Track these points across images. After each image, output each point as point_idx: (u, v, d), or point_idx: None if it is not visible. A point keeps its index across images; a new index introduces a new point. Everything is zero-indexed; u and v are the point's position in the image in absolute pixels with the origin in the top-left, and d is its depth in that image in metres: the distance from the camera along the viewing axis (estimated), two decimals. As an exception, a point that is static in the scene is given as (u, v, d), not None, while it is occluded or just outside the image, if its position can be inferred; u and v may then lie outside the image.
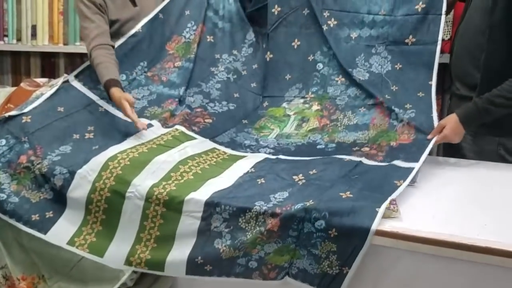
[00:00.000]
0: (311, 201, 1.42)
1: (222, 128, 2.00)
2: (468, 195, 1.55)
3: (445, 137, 1.74)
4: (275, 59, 2.17)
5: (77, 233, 1.63)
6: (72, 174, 1.65)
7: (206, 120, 2.04)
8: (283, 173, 1.64)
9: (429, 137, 1.76)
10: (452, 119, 1.73)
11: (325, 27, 2.09)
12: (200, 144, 1.86)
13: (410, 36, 1.98)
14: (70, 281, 1.64)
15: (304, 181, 1.59)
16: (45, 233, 1.64)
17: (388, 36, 2.01)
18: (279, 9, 2.15)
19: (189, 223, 1.50)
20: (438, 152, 2.17)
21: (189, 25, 2.22)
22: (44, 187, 1.70)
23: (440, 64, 2.02)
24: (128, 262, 1.55)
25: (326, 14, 2.10)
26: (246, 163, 1.74)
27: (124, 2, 2.17)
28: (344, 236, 1.35)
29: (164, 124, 1.95)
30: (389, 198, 1.43)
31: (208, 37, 2.21)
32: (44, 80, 2.22)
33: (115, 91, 1.87)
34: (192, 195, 1.52)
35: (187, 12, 2.22)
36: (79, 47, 2.90)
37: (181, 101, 2.07)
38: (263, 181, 1.57)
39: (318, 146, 1.89)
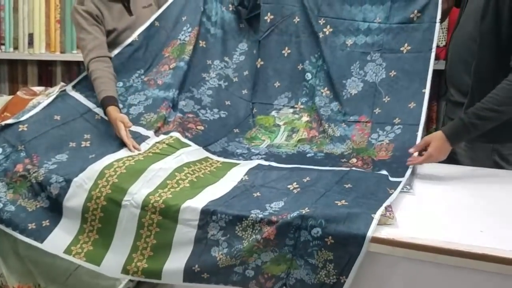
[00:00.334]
0: (306, 208, 1.42)
1: (214, 137, 2.01)
2: (464, 201, 1.55)
3: (430, 156, 1.67)
4: (265, 66, 2.18)
5: (73, 242, 1.62)
6: (68, 182, 1.65)
7: (198, 127, 2.04)
8: (277, 184, 1.64)
9: (411, 150, 1.72)
10: (438, 136, 1.68)
11: (320, 35, 2.11)
12: (194, 152, 1.86)
13: (406, 44, 1.99)
14: (67, 290, 1.63)
15: (299, 189, 1.59)
16: (41, 242, 1.64)
17: (384, 44, 2.03)
18: (271, 17, 2.17)
19: (185, 231, 1.50)
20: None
21: (184, 28, 2.22)
22: (40, 196, 1.70)
23: (436, 71, 2.03)
24: (125, 271, 1.54)
25: (321, 21, 2.11)
26: (240, 170, 1.75)
27: (120, 12, 2.18)
28: (340, 244, 1.35)
29: (158, 132, 1.95)
30: (384, 205, 1.43)
31: (200, 42, 2.22)
32: (41, 88, 2.23)
33: (112, 110, 1.87)
34: (188, 203, 1.52)
35: (184, 18, 2.23)
36: (76, 55, 2.91)
37: (174, 105, 2.08)
38: (259, 194, 1.58)
39: (308, 155, 1.93)
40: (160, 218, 1.53)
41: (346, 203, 1.47)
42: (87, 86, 2.05)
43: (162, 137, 1.91)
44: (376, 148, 1.89)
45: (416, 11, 1.98)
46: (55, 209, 1.67)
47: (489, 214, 1.47)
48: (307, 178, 1.66)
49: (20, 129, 1.85)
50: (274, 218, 1.42)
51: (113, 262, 1.56)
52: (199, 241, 1.48)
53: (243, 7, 2.25)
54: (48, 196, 1.68)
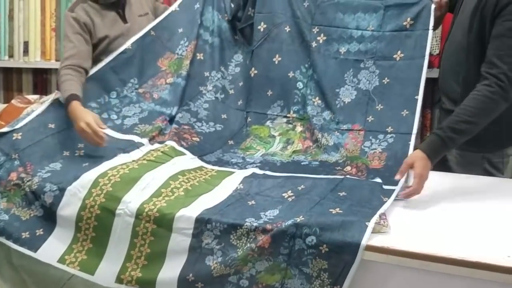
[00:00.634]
0: (301, 217, 1.42)
1: (209, 148, 2.02)
2: (456, 209, 1.56)
3: (421, 177, 1.58)
4: (259, 74, 2.19)
5: (67, 251, 1.62)
6: (62, 191, 1.64)
7: (194, 139, 2.05)
8: (272, 192, 1.64)
9: (397, 177, 1.64)
10: (419, 156, 1.61)
11: (313, 44, 2.12)
12: (189, 161, 1.86)
13: (399, 52, 2.01)
14: (60, 300, 1.62)
15: (293, 197, 1.59)
16: (35, 251, 1.63)
17: (377, 52, 2.04)
18: (264, 26, 2.18)
19: (180, 240, 1.50)
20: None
21: (182, 42, 2.23)
22: (34, 204, 1.69)
23: (430, 79, 2.04)
24: (119, 280, 1.54)
25: (315, 30, 2.13)
26: (235, 179, 1.75)
27: (114, 19, 2.18)
28: (335, 252, 1.35)
29: (153, 141, 1.95)
30: (378, 213, 1.43)
31: (198, 54, 2.23)
32: (36, 97, 2.23)
33: (77, 104, 1.86)
34: (182, 212, 1.52)
35: (180, 30, 2.24)
36: (71, 63, 2.91)
37: (171, 119, 2.09)
38: (254, 203, 1.58)
39: (302, 163, 1.94)
40: (155, 226, 1.52)
41: (341, 211, 1.47)
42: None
43: (157, 145, 1.91)
44: (369, 157, 1.90)
45: (409, 19, 1.99)
46: (49, 218, 1.66)
47: (481, 222, 1.48)
48: (302, 186, 1.66)
49: (14, 138, 1.84)
50: (268, 227, 1.42)
51: (107, 271, 1.56)
52: (193, 250, 1.48)
53: (237, 20, 2.27)
54: (42, 205, 1.68)
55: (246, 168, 1.86)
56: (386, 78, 2.01)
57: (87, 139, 1.82)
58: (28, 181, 1.70)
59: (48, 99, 2.06)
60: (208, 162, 1.91)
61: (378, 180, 1.72)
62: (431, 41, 1.99)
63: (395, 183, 1.66)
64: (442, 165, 1.88)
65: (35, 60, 3.01)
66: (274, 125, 2.13)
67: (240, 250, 1.43)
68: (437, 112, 2.31)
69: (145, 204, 1.55)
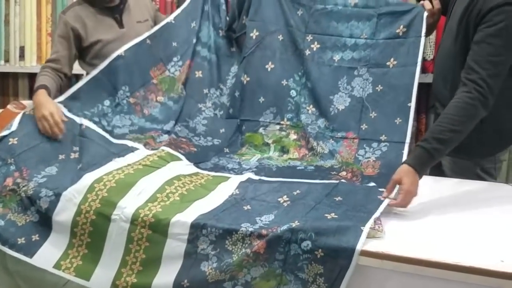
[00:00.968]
0: (296, 221, 1.42)
1: (205, 158, 2.02)
2: (451, 214, 1.56)
3: (409, 193, 1.55)
4: (251, 81, 2.19)
5: (63, 257, 1.61)
6: (57, 196, 1.64)
7: (191, 149, 2.06)
8: (267, 197, 1.64)
9: (384, 195, 1.60)
10: (406, 171, 1.57)
11: (307, 52, 2.13)
12: (185, 167, 1.86)
13: (392, 59, 2.02)
14: (56, 305, 1.62)
15: (289, 202, 1.60)
16: (31, 256, 1.63)
17: (370, 59, 2.05)
18: (257, 33, 2.19)
19: (175, 245, 1.50)
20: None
21: (175, 59, 2.24)
22: (30, 210, 1.69)
23: (424, 84, 2.05)
24: (114, 286, 1.53)
25: (309, 38, 2.14)
26: (231, 184, 1.75)
27: (109, 23, 2.19)
28: (330, 257, 1.35)
29: (148, 146, 1.96)
30: (373, 217, 1.44)
31: (196, 72, 2.24)
32: (31, 102, 2.21)
33: (42, 93, 1.95)
34: (178, 217, 1.52)
35: (174, 44, 2.24)
36: (68, 69, 2.91)
37: (166, 132, 2.11)
38: (249, 208, 1.58)
39: (298, 168, 1.94)
40: (150, 232, 1.52)
41: (336, 216, 1.48)
42: (74, 103, 2.05)
43: (152, 151, 1.91)
44: (363, 165, 1.92)
45: (402, 26, 2.01)
46: (45, 224, 1.66)
47: (475, 226, 1.49)
48: (297, 191, 1.66)
49: (10, 143, 1.84)
50: (264, 232, 1.42)
51: (102, 276, 1.55)
52: (188, 256, 1.48)
53: (232, 31, 2.28)
54: (38, 210, 1.67)
55: (242, 174, 1.86)
56: (379, 86, 2.02)
57: (45, 128, 1.87)
58: (24, 187, 1.70)
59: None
60: (204, 169, 1.91)
61: (373, 184, 1.72)
62: (425, 47, 2.01)
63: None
64: (436, 170, 1.90)
65: (31, 65, 3.01)
66: (267, 132, 2.14)
67: (235, 255, 1.43)
68: (433, 117, 2.32)
69: (140, 209, 1.55)
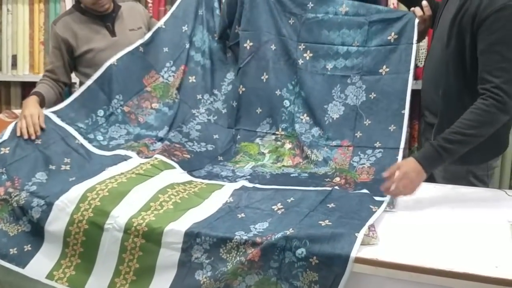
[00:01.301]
0: (291, 229, 1.42)
1: (199, 165, 2.02)
2: (445, 220, 1.57)
3: (405, 173, 1.61)
4: (247, 92, 2.20)
5: (56, 267, 1.60)
6: (49, 206, 1.63)
7: (184, 155, 2.05)
8: (261, 205, 1.64)
9: (385, 174, 1.67)
10: (407, 160, 1.67)
11: (300, 61, 2.14)
12: (179, 175, 1.86)
13: (384, 66, 2.03)
14: (48, 316, 1.60)
15: (283, 209, 1.59)
16: (23, 267, 1.62)
17: (363, 67, 2.06)
18: (250, 44, 2.19)
19: (169, 254, 1.49)
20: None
21: (167, 64, 2.24)
22: (22, 220, 1.68)
23: (417, 90, 2.06)
24: (107, 296, 1.52)
25: (301, 47, 2.14)
26: (225, 192, 1.74)
27: (100, 32, 2.19)
28: (325, 264, 1.35)
29: (141, 154, 1.95)
30: (367, 224, 1.44)
31: (190, 77, 2.24)
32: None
33: (32, 99, 2.05)
34: (171, 226, 1.51)
35: (165, 49, 2.24)
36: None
37: (160, 140, 2.10)
38: (243, 215, 1.58)
39: (292, 175, 1.94)
40: (143, 241, 1.51)
41: (330, 223, 1.47)
42: (68, 114, 2.05)
43: (146, 159, 1.90)
44: (357, 171, 1.92)
45: (393, 33, 2.01)
46: (37, 233, 1.65)
47: (469, 233, 1.49)
48: (291, 199, 1.66)
49: (1, 152, 1.83)
50: (258, 240, 1.41)
51: (95, 286, 1.54)
52: (182, 265, 1.47)
53: (226, 38, 2.28)
54: (30, 220, 1.66)
55: (236, 181, 1.86)
56: (373, 93, 2.02)
57: (21, 125, 1.91)
58: (15, 196, 1.69)
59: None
60: (197, 177, 1.90)
61: (366, 191, 1.72)
62: (418, 53, 2.02)
63: (383, 194, 1.67)
64: (427, 179, 1.90)
65: (23, 73, 3.00)
66: (263, 142, 2.14)
67: (229, 264, 1.42)
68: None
69: (133, 218, 1.54)
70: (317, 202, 1.62)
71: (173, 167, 1.90)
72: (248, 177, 1.91)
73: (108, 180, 1.70)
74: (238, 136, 2.17)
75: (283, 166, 2.03)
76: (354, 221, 1.48)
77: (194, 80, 2.25)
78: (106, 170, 1.80)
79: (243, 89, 2.20)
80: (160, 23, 2.26)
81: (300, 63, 2.13)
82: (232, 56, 2.29)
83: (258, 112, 2.18)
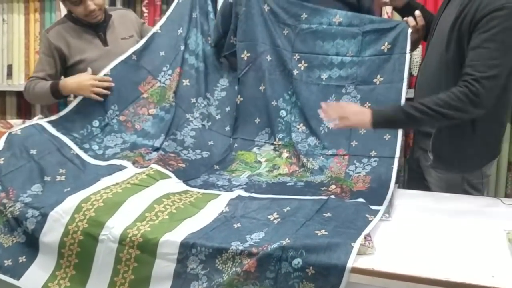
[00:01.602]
0: (287, 239, 1.41)
1: (195, 174, 2.02)
2: (441, 229, 1.56)
3: (341, 107, 1.77)
4: (245, 102, 2.21)
5: (50, 278, 1.59)
6: (44, 216, 1.62)
7: (180, 164, 2.05)
8: (257, 214, 1.64)
9: (323, 104, 1.80)
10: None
11: (295, 71, 2.14)
12: (174, 185, 1.85)
13: (378, 76, 2.03)
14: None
15: (279, 219, 1.59)
16: (18, 278, 1.61)
17: (357, 77, 2.07)
18: (248, 54, 2.20)
19: (164, 265, 1.48)
20: (404, 185, 2.19)
21: (164, 68, 2.24)
22: (17, 231, 1.67)
23: (411, 99, 2.06)
24: (103, 307, 1.51)
25: (296, 57, 2.15)
26: (220, 201, 1.74)
27: (93, 41, 2.19)
28: (321, 274, 1.34)
29: (136, 164, 1.95)
30: (363, 233, 1.44)
31: (184, 81, 2.24)
32: (19, 121, 2.23)
33: (63, 80, 2.09)
34: (167, 237, 1.50)
35: (162, 53, 2.24)
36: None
37: (155, 149, 2.10)
38: (239, 225, 1.57)
39: (288, 184, 1.94)
40: (138, 252, 1.50)
41: (326, 232, 1.47)
42: (62, 123, 2.05)
43: (141, 169, 1.90)
44: (353, 180, 1.92)
45: (386, 43, 2.02)
46: (32, 245, 1.64)
47: (465, 242, 1.48)
48: (287, 208, 1.65)
49: (-4, 163, 1.83)
50: (254, 250, 1.41)
51: (90, 298, 1.53)
52: (178, 276, 1.46)
53: (220, 47, 2.28)
54: (24, 231, 1.65)
55: (232, 190, 1.86)
56: (367, 103, 2.03)
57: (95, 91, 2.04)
58: (10, 207, 1.68)
59: (31, 123, 2.05)
60: (193, 187, 1.90)
61: (362, 200, 1.72)
62: (411, 62, 2.03)
63: (379, 203, 1.68)
64: (422, 187, 1.90)
65: (19, 83, 3.00)
66: (261, 151, 2.14)
67: (225, 274, 1.41)
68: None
69: (128, 229, 1.54)
70: (313, 212, 1.62)
71: (169, 177, 1.90)
72: (244, 186, 1.91)
73: (103, 191, 1.70)
74: (236, 145, 2.18)
75: (279, 174, 2.03)
76: (350, 230, 1.47)
77: (188, 84, 2.24)
78: (101, 180, 1.79)
79: (241, 99, 2.21)
80: (156, 27, 2.27)
81: (295, 73, 2.14)
82: (225, 61, 2.29)
83: (257, 122, 2.19)
